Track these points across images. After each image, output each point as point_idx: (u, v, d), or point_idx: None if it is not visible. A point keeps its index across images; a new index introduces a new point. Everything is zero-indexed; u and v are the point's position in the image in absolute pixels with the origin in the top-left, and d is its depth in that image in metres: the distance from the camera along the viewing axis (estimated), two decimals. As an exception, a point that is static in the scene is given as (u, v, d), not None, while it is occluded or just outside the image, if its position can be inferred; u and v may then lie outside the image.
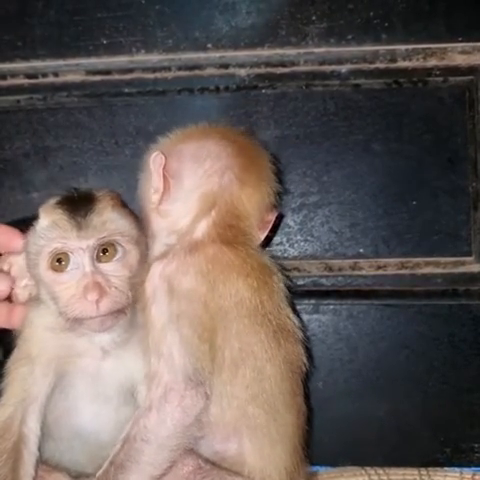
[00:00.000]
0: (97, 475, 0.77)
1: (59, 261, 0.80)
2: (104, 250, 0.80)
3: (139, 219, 0.86)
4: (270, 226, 0.87)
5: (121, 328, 0.82)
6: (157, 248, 0.84)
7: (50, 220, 0.80)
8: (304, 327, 0.87)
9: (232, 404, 0.78)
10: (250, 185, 0.83)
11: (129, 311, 0.82)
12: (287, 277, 0.86)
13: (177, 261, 0.78)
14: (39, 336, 0.84)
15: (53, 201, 0.83)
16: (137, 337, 0.83)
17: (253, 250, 0.82)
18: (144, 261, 0.83)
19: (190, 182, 0.83)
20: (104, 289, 0.78)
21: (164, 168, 0.82)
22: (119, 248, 0.81)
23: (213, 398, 0.77)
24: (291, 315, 0.83)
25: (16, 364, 0.84)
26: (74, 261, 0.79)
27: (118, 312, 0.80)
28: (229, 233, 0.81)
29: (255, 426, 0.79)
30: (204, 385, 0.75)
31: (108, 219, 0.81)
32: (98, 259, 0.80)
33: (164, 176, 0.82)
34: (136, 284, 0.81)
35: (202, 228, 0.81)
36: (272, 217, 0.87)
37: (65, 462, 0.87)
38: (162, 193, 0.83)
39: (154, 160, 0.83)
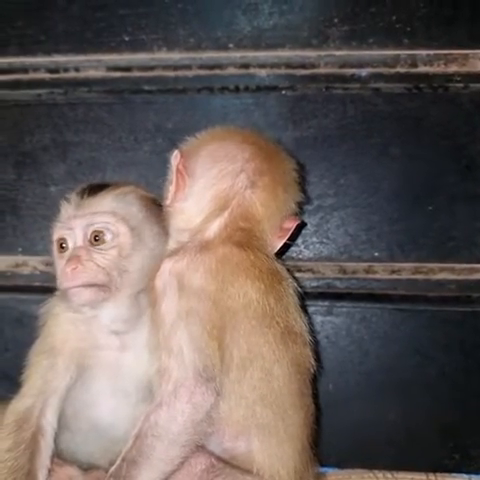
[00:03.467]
0: (110, 471, 0.78)
1: (61, 245, 0.86)
2: (98, 231, 0.84)
3: (156, 213, 0.88)
4: (289, 234, 0.86)
5: (121, 307, 0.85)
6: (170, 245, 0.85)
7: (65, 204, 0.88)
8: (314, 330, 0.87)
9: (240, 404, 0.78)
10: (264, 190, 0.83)
11: (121, 291, 0.84)
12: (296, 280, 0.86)
13: (187, 259, 0.79)
14: (63, 329, 0.86)
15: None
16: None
17: (263, 254, 0.81)
18: (146, 249, 0.86)
19: (204, 181, 0.83)
20: (81, 261, 0.82)
21: (183, 166, 0.83)
22: (111, 229, 0.84)
23: (222, 397, 0.77)
24: (299, 318, 0.83)
25: (38, 357, 0.86)
26: (72, 241, 0.85)
27: (97, 287, 0.83)
28: (240, 235, 0.81)
29: (263, 425, 0.79)
30: (214, 381, 0.76)
31: (105, 201, 0.86)
32: (93, 238, 0.84)
33: (181, 174, 0.83)
34: (132, 268, 0.84)
35: (214, 228, 0.82)
36: (291, 225, 0.86)
37: (79, 454, 0.88)
38: (176, 190, 0.84)
39: (173, 158, 0.84)
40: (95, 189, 0.88)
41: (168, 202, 0.85)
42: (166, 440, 0.75)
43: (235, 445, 0.79)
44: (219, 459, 0.78)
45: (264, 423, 0.79)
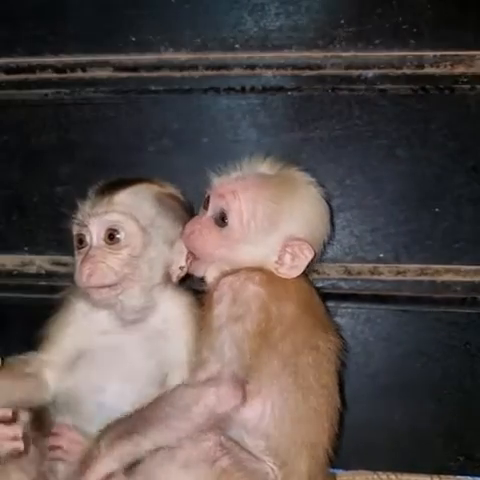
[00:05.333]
0: (118, 419, 0.81)
1: (80, 240, 0.90)
2: (112, 230, 0.87)
3: (170, 208, 0.91)
4: None
5: (133, 300, 0.89)
6: (215, 270, 0.89)
7: (85, 201, 0.91)
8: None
9: (267, 372, 0.82)
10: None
11: (133, 286, 0.88)
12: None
13: (244, 277, 0.85)
14: (74, 316, 0.91)
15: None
16: (164, 325, 0.90)
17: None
18: (157, 246, 0.89)
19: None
20: (94, 263, 0.86)
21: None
22: (123, 228, 0.87)
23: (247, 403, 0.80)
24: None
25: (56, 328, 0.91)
26: (89, 238, 0.88)
27: (108, 287, 0.87)
28: None
29: (282, 396, 0.82)
30: (244, 387, 0.79)
31: (118, 199, 0.88)
32: (107, 237, 0.87)
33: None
34: (143, 265, 0.88)
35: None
36: None
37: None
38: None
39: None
40: (110, 187, 0.91)
41: (228, 242, 0.88)
42: (182, 414, 0.79)
43: (248, 413, 0.81)
44: (229, 439, 0.80)
45: (284, 395, 0.82)
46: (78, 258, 0.89)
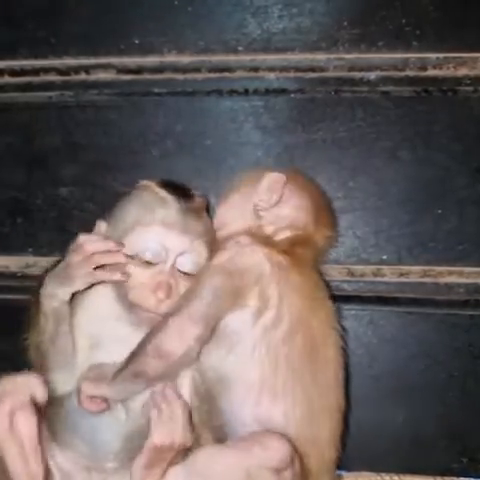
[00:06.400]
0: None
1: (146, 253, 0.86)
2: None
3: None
4: None
5: None
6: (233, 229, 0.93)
7: (159, 204, 0.88)
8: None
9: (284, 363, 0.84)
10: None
11: None
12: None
13: (252, 247, 0.89)
14: (96, 301, 0.90)
15: (160, 184, 0.91)
16: None
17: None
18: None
19: (292, 220, 0.93)
20: (171, 292, 0.84)
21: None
22: (197, 251, 0.87)
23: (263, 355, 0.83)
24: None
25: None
26: (158, 252, 0.85)
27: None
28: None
29: (302, 385, 0.84)
30: (206, 331, 0.82)
31: (200, 224, 0.89)
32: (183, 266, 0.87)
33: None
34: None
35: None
36: None
37: None
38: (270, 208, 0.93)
39: (277, 181, 0.93)
40: (191, 207, 0.89)
41: (258, 215, 0.93)
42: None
43: (271, 412, 0.83)
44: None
45: (303, 384, 0.84)
46: (140, 273, 0.85)
